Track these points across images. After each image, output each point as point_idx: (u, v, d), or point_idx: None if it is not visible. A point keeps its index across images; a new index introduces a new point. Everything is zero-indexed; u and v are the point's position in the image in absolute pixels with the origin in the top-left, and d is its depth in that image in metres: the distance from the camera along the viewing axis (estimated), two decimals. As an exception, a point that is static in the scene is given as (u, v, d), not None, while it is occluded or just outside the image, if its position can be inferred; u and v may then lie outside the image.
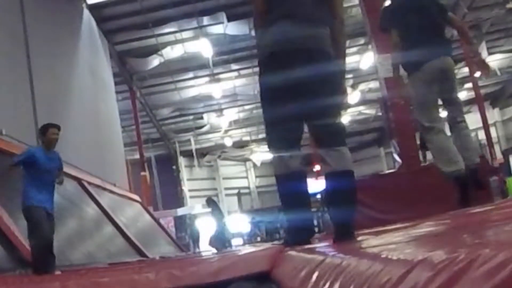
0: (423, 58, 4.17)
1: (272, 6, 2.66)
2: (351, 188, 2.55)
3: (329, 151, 2.50)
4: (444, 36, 4.51)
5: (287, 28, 2.57)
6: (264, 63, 2.67)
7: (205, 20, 16.26)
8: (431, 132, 4.27)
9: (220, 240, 12.32)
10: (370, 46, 12.03)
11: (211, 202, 12.99)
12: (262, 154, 31.24)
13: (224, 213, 13.53)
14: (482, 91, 22.50)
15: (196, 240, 19.35)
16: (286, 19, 2.59)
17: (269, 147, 2.73)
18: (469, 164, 4.24)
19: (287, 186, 2.62)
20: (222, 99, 22.93)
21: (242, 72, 20.72)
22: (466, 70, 20.71)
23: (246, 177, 33.42)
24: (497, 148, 22.51)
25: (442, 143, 4.24)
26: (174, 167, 28.79)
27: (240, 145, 30.32)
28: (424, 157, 9.53)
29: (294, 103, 2.51)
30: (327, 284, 1.22)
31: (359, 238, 2.54)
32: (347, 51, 18.08)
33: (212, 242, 12.35)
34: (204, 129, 26.84)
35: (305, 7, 2.61)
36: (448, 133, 4.44)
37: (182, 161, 29.33)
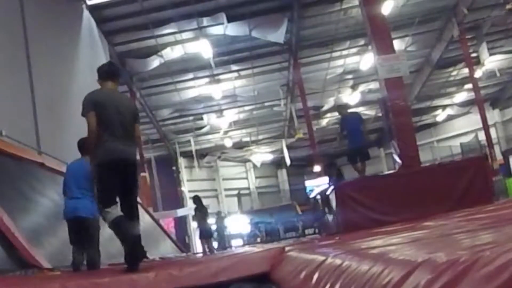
0: None
1: (103, 130, 4.29)
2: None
3: (131, 222, 4.23)
4: None
5: (114, 145, 4.28)
6: (101, 165, 4.30)
7: (205, 21, 16.23)
8: None
9: (208, 233, 13.87)
10: (370, 47, 12.03)
11: (197, 200, 13.66)
12: (262, 155, 31.19)
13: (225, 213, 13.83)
14: (482, 92, 22.48)
15: (221, 237, 19.16)
16: (114, 139, 4.29)
17: (99, 204, 4.32)
18: None
19: (118, 224, 4.17)
20: (222, 100, 22.91)
21: (242, 73, 20.71)
22: (466, 71, 20.73)
23: (246, 178, 33.41)
24: (497, 149, 22.50)
25: None
26: (174, 168, 28.75)
27: (240, 146, 30.30)
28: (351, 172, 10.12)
29: (116, 188, 4.31)
30: (328, 285, 1.21)
31: (358, 240, 2.55)
32: (348, 51, 17.98)
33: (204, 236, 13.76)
34: (204, 130, 26.82)
35: (124, 132, 4.37)
36: None
37: (182, 162, 29.31)
